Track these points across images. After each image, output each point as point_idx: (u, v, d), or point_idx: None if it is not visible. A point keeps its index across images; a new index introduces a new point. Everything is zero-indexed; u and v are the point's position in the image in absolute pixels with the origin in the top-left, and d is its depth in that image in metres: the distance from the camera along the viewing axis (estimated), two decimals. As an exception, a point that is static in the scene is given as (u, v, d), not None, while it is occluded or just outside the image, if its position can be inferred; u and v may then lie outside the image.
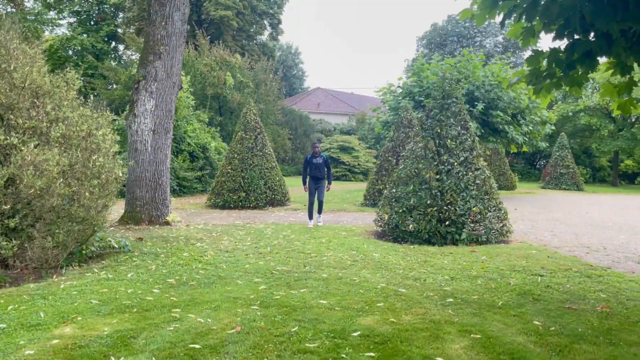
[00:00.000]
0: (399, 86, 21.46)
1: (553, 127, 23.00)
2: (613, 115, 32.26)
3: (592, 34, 4.86)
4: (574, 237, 10.37)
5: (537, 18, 4.88)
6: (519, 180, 30.73)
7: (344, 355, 3.71)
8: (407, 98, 19.83)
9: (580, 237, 10.30)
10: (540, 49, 5.32)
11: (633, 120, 32.27)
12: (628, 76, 5.14)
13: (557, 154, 28.56)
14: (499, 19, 5.14)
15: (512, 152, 23.10)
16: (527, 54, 53.94)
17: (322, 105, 45.64)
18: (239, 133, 14.78)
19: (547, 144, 25.70)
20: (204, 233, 9.56)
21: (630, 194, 26.82)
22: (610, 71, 5.29)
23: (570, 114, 32.73)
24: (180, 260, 7.04)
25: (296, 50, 64.46)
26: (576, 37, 4.86)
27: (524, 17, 4.90)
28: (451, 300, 5.26)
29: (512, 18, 5.12)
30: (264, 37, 42.57)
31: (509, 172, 26.77)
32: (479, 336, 4.17)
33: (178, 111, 16.13)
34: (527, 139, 20.49)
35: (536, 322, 4.56)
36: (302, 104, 43.91)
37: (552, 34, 4.90)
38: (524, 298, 5.41)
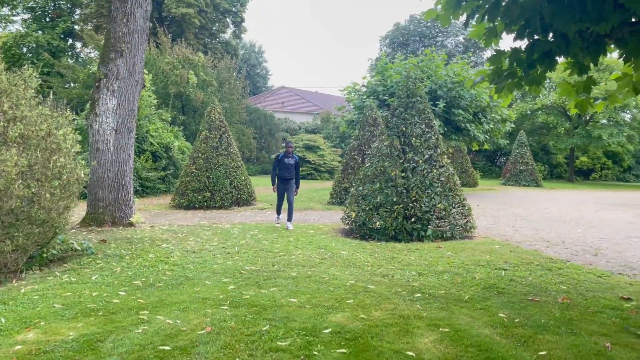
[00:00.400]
0: (363, 85, 21.63)
1: (513, 125, 23.63)
2: (569, 113, 33.41)
3: (551, 35, 5.02)
4: (534, 231, 10.70)
5: (499, 18, 5.01)
6: (480, 177, 31.43)
7: (315, 353, 3.73)
8: (372, 97, 19.99)
9: (540, 232, 10.63)
10: (502, 50, 5.46)
11: (587, 118, 33.47)
12: (586, 75, 5.34)
13: (517, 151, 29.37)
14: (462, 19, 5.25)
15: (473, 149, 23.61)
16: (488, 53, 55.17)
17: (287, 104, 45.56)
18: (204, 132, 14.60)
19: (508, 142, 26.35)
20: (169, 234, 9.41)
21: (585, 190, 27.83)
22: (568, 71, 5.48)
23: (529, 112, 33.71)
24: (146, 262, 6.91)
25: (260, 48, 64.14)
26: (536, 37, 5.01)
27: (486, 17, 5.03)
28: (419, 295, 5.35)
29: (475, 19, 5.23)
30: (227, 35, 42.17)
31: (470, 169, 27.37)
32: (447, 330, 4.26)
33: (140, 110, 15.78)
34: (488, 137, 20.99)
35: (501, 315, 4.69)
36: (267, 102, 43.71)
37: (514, 34, 5.04)
38: (489, 292, 5.55)
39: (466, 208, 9.53)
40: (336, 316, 4.58)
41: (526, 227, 11.32)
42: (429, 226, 8.92)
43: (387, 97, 19.46)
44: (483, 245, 8.47)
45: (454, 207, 9.25)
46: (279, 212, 11.12)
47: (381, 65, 21.08)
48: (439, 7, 5.35)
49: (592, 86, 5.39)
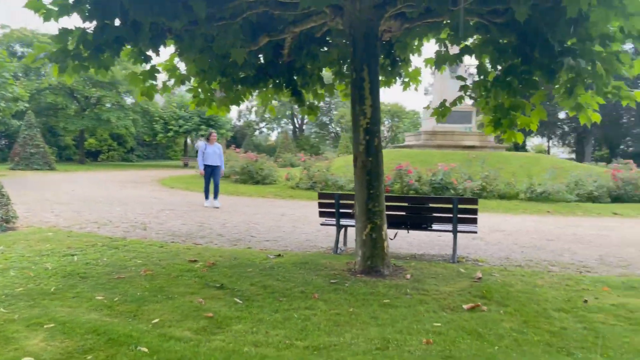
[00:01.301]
0: None
1: (27, 105, 21.96)
2: (75, 95, 33.61)
3: (119, 21, 5.22)
4: (76, 214, 10.60)
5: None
6: (-16, 162, 27.76)
7: None
8: None
9: (82, 214, 10.64)
10: (69, 28, 5.28)
11: (94, 102, 34.49)
12: (150, 65, 5.83)
13: (26, 132, 27.36)
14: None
15: (-22, 131, 20.66)
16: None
17: None
18: None
19: (22, 122, 24.23)
20: None
21: (98, 170, 28.93)
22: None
23: (35, 91, 31.84)
24: None
25: None
26: (107, 21, 5.11)
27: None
28: (-6, 299, 4.66)
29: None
30: None
31: (-28, 153, 23.80)
32: (52, 325, 3.98)
33: None
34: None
35: (99, 297, 4.70)
36: None
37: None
38: (72, 279, 5.37)
39: (5, 197, 8.55)
40: None
41: (66, 211, 11.06)
42: (-38, 222, 7.55)
43: None
44: (34, 235, 7.86)
45: (-10, 197, 8.13)
46: None
47: None
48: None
49: (156, 74, 5.93)
